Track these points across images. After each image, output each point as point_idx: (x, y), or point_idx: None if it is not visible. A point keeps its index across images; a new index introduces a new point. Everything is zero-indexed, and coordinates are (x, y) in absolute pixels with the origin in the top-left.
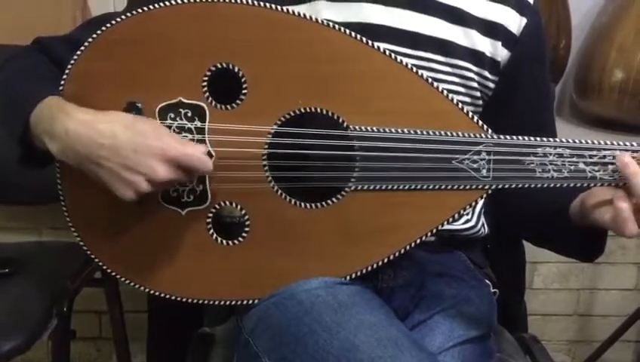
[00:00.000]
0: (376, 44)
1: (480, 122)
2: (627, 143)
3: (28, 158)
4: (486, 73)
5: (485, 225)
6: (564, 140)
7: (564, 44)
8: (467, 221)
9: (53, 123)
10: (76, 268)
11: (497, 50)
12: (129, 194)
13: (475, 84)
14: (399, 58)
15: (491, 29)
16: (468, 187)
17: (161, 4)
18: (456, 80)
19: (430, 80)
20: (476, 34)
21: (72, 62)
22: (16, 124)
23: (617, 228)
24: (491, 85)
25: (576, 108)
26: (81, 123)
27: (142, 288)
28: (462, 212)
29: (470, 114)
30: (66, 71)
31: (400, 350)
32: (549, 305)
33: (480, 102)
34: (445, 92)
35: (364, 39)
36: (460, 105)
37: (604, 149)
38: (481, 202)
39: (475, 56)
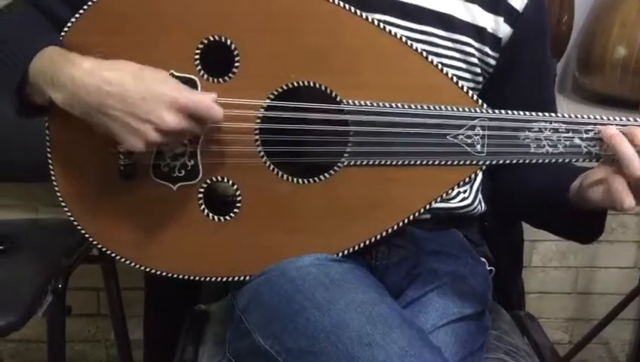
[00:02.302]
0: (370, 16)
1: (475, 96)
2: (623, 118)
3: (24, 109)
4: (487, 49)
5: (482, 203)
6: (559, 115)
7: (567, 19)
8: (464, 199)
9: (58, 72)
10: (72, 245)
11: (499, 26)
12: (139, 145)
13: (475, 60)
14: (393, 31)
15: (493, 5)
16: (462, 162)
17: None
18: (457, 55)
19: (425, 53)
20: (478, 9)
21: (63, 33)
22: (12, 77)
23: (614, 201)
24: (492, 62)
25: (578, 84)
26: (87, 71)
27: (134, 264)
28: (455, 188)
29: (465, 88)
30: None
31: (390, 327)
32: (548, 283)
33: (480, 78)
34: (440, 65)
35: (358, 12)
36: (455, 79)
37: (601, 124)
38: (478, 179)
39: (477, 32)
